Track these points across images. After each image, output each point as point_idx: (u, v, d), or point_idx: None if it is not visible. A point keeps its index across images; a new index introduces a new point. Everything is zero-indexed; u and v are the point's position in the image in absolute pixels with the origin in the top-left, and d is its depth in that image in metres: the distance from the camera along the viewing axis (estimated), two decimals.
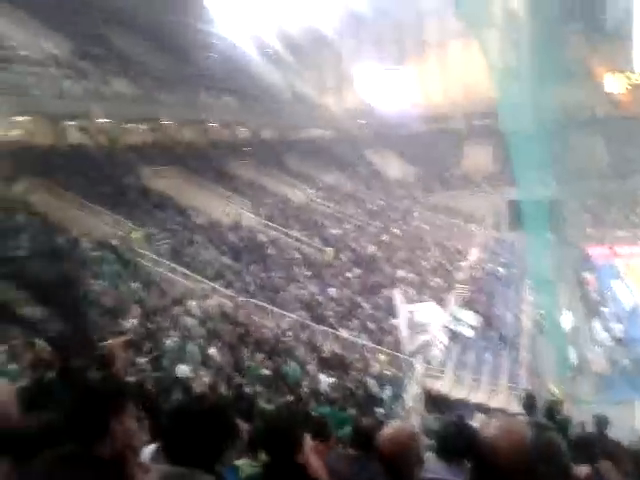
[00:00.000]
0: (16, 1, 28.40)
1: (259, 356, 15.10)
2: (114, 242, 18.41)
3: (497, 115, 41.16)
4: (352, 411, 12.76)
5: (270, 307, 19.25)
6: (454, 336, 22.61)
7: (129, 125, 29.84)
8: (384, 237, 32.12)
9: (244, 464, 2.85)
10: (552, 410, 6.47)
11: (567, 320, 23.33)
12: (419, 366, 19.08)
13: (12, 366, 9.50)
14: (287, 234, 27.04)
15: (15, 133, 25.03)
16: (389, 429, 2.59)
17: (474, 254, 33.52)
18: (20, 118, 23.74)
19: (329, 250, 26.49)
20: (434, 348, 20.84)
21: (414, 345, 20.16)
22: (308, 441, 2.79)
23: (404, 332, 20.43)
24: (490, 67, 39.97)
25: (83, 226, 18.85)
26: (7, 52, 23.50)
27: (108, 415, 1.93)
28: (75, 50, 28.25)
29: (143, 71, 32.28)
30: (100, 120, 26.15)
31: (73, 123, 26.03)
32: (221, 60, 44.85)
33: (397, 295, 22.21)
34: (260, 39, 46.15)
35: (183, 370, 12.53)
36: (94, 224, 19.57)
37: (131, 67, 31.60)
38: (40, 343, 10.49)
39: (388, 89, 53.67)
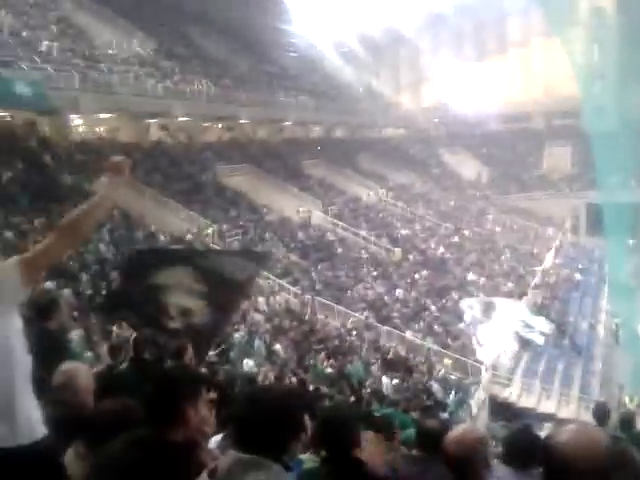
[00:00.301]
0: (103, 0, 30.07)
1: (323, 354, 15.30)
2: (188, 237, 19.13)
3: (578, 115, 39.77)
4: (414, 415, 12.75)
5: (336, 306, 19.45)
6: (525, 343, 22.03)
7: (207, 123, 30.81)
8: (455, 239, 31.62)
9: (307, 458, 2.96)
10: (626, 422, 6.22)
11: None
12: (486, 372, 18.77)
13: (88, 353, 9.92)
14: (356, 233, 27.17)
15: (99, 129, 26.43)
16: (456, 431, 2.57)
17: (549, 259, 32.43)
18: (105, 115, 24.98)
19: (397, 250, 26.40)
20: (503, 354, 20.40)
21: (488, 353, 19.80)
22: (370, 438, 2.84)
23: (480, 340, 20.09)
24: (574, 66, 38.63)
25: (160, 221, 19.71)
26: (94, 51, 24.84)
27: (183, 402, 2.04)
28: (159, 49, 29.47)
29: (223, 71, 33.21)
30: (180, 118, 27.14)
31: (154, 121, 27.15)
32: (299, 59, 45.58)
33: (475, 304, 21.88)
34: (338, 38, 46.48)
35: (249, 364, 12.91)
36: (170, 219, 20.41)
37: (212, 67, 32.59)
38: (117, 331, 11.11)
39: (466, 87, 52.62)
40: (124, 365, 5.47)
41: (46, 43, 22.16)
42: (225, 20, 39.56)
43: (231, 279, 4.50)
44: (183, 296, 4.50)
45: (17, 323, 2.01)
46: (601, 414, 6.12)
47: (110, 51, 25.80)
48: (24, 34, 22.02)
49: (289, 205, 26.99)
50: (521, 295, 25.81)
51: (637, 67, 33.15)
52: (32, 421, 2.03)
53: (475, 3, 45.97)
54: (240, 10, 37.55)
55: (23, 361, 2.02)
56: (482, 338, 20.35)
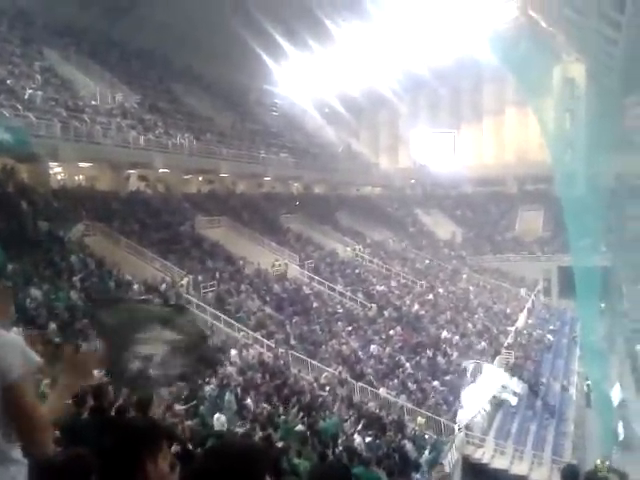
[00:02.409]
0: (91, 53, 30.68)
1: (294, 410, 15.05)
2: (163, 287, 18.98)
3: (550, 180, 41.09)
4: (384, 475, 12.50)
5: (310, 360, 19.28)
6: (498, 403, 21.98)
7: (188, 176, 31.08)
8: (429, 297, 31.82)
9: None
10: None
11: (616, 393, 22.35)
12: (459, 432, 18.58)
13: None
14: (332, 288, 27.23)
15: (79, 178, 26.49)
16: None
17: (522, 319, 32.72)
18: (84, 164, 25.13)
19: (373, 306, 26.45)
20: (477, 414, 20.28)
21: (465, 412, 19.74)
22: None
23: (465, 402, 20.08)
24: (545, 134, 40.17)
25: (135, 270, 19.55)
26: (78, 101, 25.17)
27: (143, 455, 1.95)
28: (142, 103, 29.96)
29: (206, 126, 33.80)
30: (161, 170, 27.36)
31: (134, 171, 27.34)
32: (282, 118, 46.78)
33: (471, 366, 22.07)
34: (320, 99, 47.95)
35: (220, 419, 12.61)
36: (146, 269, 20.28)
37: (195, 122, 33.16)
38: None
39: (442, 151, 54.27)
40: (85, 415, 5.37)
41: (30, 91, 22.44)
42: (210, 78, 40.63)
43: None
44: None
45: None
46: (570, 476, 6.13)
47: (94, 102, 26.14)
48: (8, 82, 22.28)
49: (266, 258, 27.04)
50: (494, 355, 25.89)
51: (605, 136, 34.60)
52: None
53: (451, 69, 48.00)
54: (225, 69, 38.62)
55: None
56: (464, 398, 20.36)
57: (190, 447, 8.05)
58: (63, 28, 31.32)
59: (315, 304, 24.63)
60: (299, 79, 47.53)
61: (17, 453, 2.03)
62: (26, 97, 22.01)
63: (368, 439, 15.50)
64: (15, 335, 2.19)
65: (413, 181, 56.74)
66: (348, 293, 27.23)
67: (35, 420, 2.00)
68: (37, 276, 15.56)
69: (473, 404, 20.29)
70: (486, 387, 21.78)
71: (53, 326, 13.79)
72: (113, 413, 5.76)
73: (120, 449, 1.98)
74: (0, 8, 28.25)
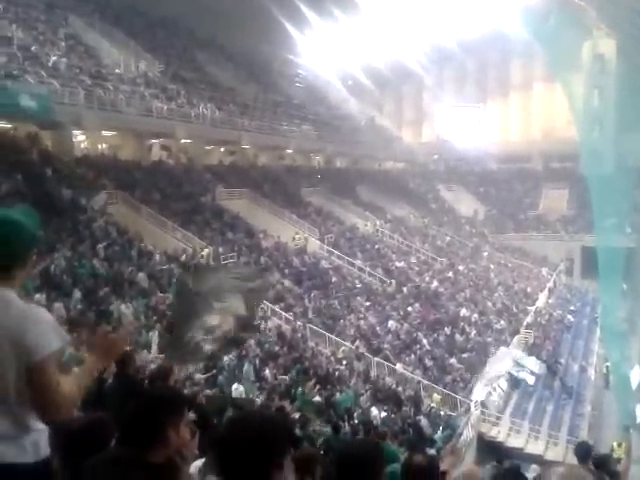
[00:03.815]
0: (115, 21, 30.56)
1: (311, 382, 15.17)
2: (183, 257, 19.10)
3: (576, 158, 40.28)
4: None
5: (327, 334, 19.36)
6: (515, 382, 21.93)
7: (210, 147, 31.06)
8: (449, 274, 31.65)
9: None
10: (604, 462, 6.23)
11: (636, 375, 22.13)
12: (475, 409, 18.62)
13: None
14: (351, 263, 27.19)
15: (102, 146, 26.61)
16: (461, 470, 2.38)
17: (543, 299, 32.45)
18: (108, 133, 25.21)
19: (392, 282, 26.40)
20: (493, 393, 20.29)
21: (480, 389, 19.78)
22: None
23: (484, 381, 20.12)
24: (573, 110, 39.26)
25: (156, 240, 19.70)
26: (102, 69, 25.16)
27: (165, 422, 1.99)
28: (166, 72, 29.85)
29: (230, 97, 33.61)
30: (183, 140, 27.36)
31: (157, 141, 27.35)
32: (305, 90, 46.32)
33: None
34: (344, 71, 47.32)
35: (238, 389, 12.77)
36: (167, 239, 20.41)
37: (218, 92, 32.97)
38: None
39: (467, 126, 53.45)
40: (109, 381, 5.43)
41: (54, 58, 22.44)
42: (234, 48, 40.25)
43: None
44: None
45: None
46: (583, 453, 6.12)
47: (117, 70, 26.10)
48: (33, 48, 22.29)
49: (286, 231, 27.05)
50: (513, 334, 25.78)
51: (635, 114, 33.67)
52: (39, 444, 2.02)
53: (479, 42, 46.91)
54: (249, 39, 38.21)
55: None
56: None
57: (209, 417, 8.17)
58: None
59: (334, 279, 24.65)
60: (323, 50, 46.89)
61: (38, 421, 2.02)
62: (50, 64, 21.99)
63: (384, 414, 15.63)
64: (41, 308, 2.13)
65: (436, 156, 56.01)
66: (367, 268, 27.17)
67: (56, 402, 1.97)
68: (60, 243, 15.73)
69: (488, 381, 20.29)
70: (501, 365, 21.76)
71: (78, 294, 13.99)
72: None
73: (143, 415, 2.01)
74: None
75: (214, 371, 13.24)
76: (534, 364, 22.90)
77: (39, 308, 2.08)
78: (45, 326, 1.96)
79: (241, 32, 36.64)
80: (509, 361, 22.43)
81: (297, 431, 10.54)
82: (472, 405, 18.61)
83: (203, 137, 28.42)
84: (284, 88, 44.05)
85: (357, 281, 25.72)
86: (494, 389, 20.48)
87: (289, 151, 36.91)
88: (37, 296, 12.10)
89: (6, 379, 1.90)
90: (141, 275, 16.50)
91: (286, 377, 15.04)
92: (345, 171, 44.27)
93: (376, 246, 31.91)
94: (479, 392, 19.75)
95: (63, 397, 1.98)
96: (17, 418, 1.95)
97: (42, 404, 1.95)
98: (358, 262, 27.56)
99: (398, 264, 29.98)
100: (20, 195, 16.92)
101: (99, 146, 26.52)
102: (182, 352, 5.01)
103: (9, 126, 20.66)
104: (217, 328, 4.77)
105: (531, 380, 21.96)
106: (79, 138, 24.87)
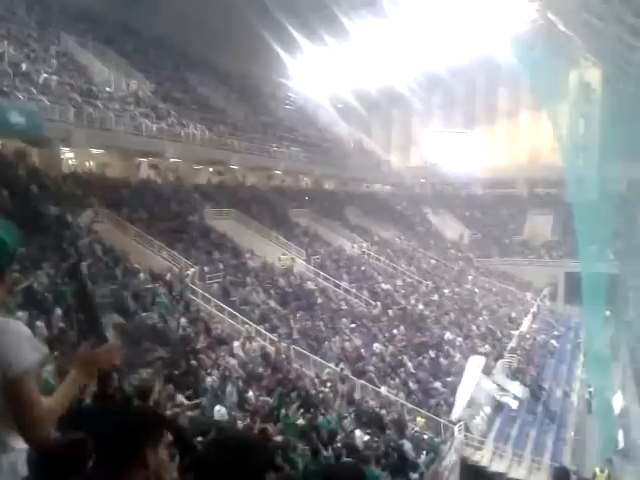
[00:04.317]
0: (108, 39, 30.77)
1: (295, 405, 15.07)
2: (168, 276, 19.04)
3: (561, 184, 40.88)
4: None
5: (312, 356, 19.30)
6: (498, 406, 21.94)
7: (198, 166, 31.13)
8: (434, 297, 31.77)
9: None
10: None
11: (618, 401, 22.28)
12: (459, 433, 18.57)
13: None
14: (337, 284, 27.22)
15: (90, 164, 26.58)
16: None
17: (527, 323, 32.61)
18: (97, 151, 25.21)
19: (378, 304, 26.44)
20: (476, 416, 20.26)
21: (461, 412, 19.68)
22: None
23: (460, 400, 20.01)
24: (559, 137, 39.97)
25: (142, 258, 19.62)
26: (93, 87, 25.24)
27: (144, 444, 1.96)
28: (156, 91, 30.01)
29: (220, 118, 33.81)
30: (172, 159, 27.42)
31: (146, 160, 27.39)
32: (295, 112, 46.77)
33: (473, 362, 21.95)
34: (334, 94, 47.89)
35: (221, 411, 12.66)
36: (152, 257, 20.34)
37: (208, 112, 33.15)
38: None
39: (454, 151, 54.16)
40: (87, 400, 5.41)
41: (45, 76, 22.51)
42: (225, 69, 40.63)
43: None
44: None
45: None
46: (561, 478, 6.18)
47: (108, 89, 26.20)
48: (24, 65, 22.35)
49: (273, 252, 27.07)
50: (497, 357, 25.82)
51: (619, 142, 34.38)
52: (16, 464, 2.02)
53: (468, 69, 47.82)
54: (241, 61, 38.63)
55: None
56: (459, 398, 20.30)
57: (188, 438, 8.10)
58: (81, 13, 31.46)
59: (320, 300, 24.64)
60: (314, 73, 47.47)
61: (17, 440, 2.01)
62: (41, 81, 22.07)
63: (367, 437, 15.54)
64: (19, 322, 2.13)
65: (423, 180, 56.61)
66: (353, 290, 27.22)
67: (35, 416, 1.97)
68: (44, 260, 15.62)
69: (466, 401, 20.22)
70: (481, 387, 21.70)
71: (59, 311, 13.86)
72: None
73: (121, 436, 1.98)
74: None
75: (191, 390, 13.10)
76: (517, 389, 22.93)
77: (17, 322, 2.08)
78: (22, 340, 1.96)
79: (233, 54, 37.04)
80: (490, 383, 22.42)
81: (279, 454, 10.48)
82: (456, 429, 18.57)
83: (192, 157, 28.53)
84: (274, 110, 44.42)
85: (343, 303, 25.73)
86: (477, 413, 20.47)
87: (278, 172, 37.08)
88: (19, 314, 11.97)
89: None
90: (125, 294, 16.41)
91: (269, 399, 14.93)
92: (333, 193, 44.53)
93: (362, 268, 31.98)
94: (458, 411, 19.69)
95: (41, 412, 1.97)
96: None
97: (20, 418, 1.94)
98: (344, 284, 27.60)
99: (384, 286, 30.05)
100: (5, 211, 16.85)
101: (87, 164, 26.48)
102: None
103: None
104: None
105: (514, 404, 21.99)
106: (67, 155, 24.83)
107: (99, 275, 16.56)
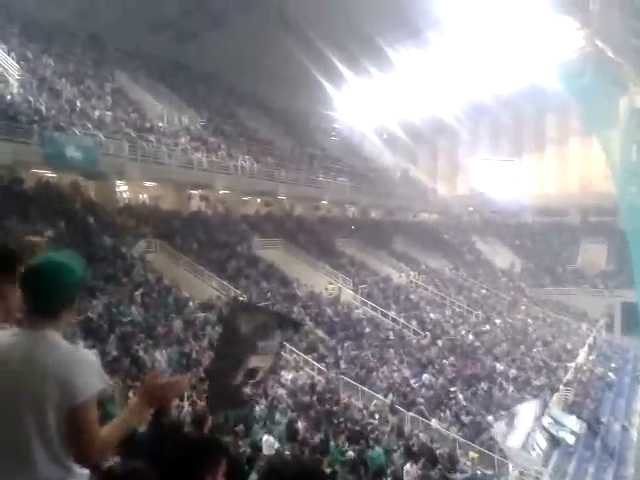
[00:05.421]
0: (160, 76, 31.99)
1: (343, 436, 14.87)
2: (218, 305, 19.28)
3: (614, 212, 39.73)
4: None
5: (360, 386, 19.06)
6: (554, 441, 21.06)
7: (247, 197, 31.69)
8: (485, 327, 31.01)
9: None
10: None
11: None
12: (513, 469, 17.88)
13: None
14: (384, 314, 26.94)
15: (143, 196, 27.43)
16: None
17: (583, 355, 31.40)
18: (150, 184, 26.02)
19: (427, 334, 26.01)
20: (531, 451, 19.49)
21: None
22: None
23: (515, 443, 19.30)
24: (611, 165, 39.02)
25: (193, 287, 19.98)
26: (146, 123, 26.21)
27: (204, 471, 2.02)
28: (207, 125, 30.92)
29: (267, 150, 34.48)
30: (221, 191, 28.03)
31: (196, 192, 28.07)
32: (340, 142, 47.26)
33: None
34: (379, 125, 48.19)
35: (269, 441, 12.60)
36: (202, 287, 20.68)
37: (256, 145, 33.86)
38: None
39: (502, 179, 53.43)
40: (143, 429, 5.46)
41: (100, 112, 23.53)
42: (272, 103, 41.53)
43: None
44: None
45: None
46: None
47: (160, 124, 27.15)
48: (79, 102, 23.41)
49: (320, 281, 27.10)
50: (552, 391, 24.91)
51: None
52: None
53: (515, 97, 47.26)
54: (287, 95, 39.39)
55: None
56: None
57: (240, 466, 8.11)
58: (134, 51, 32.90)
59: (367, 329, 24.41)
60: (359, 105, 47.94)
61: (80, 466, 2.05)
62: (96, 117, 23.07)
63: (418, 471, 15.15)
64: (87, 350, 2.19)
65: (471, 208, 55.88)
66: (401, 320, 26.87)
67: (95, 442, 1.98)
68: (99, 290, 16.09)
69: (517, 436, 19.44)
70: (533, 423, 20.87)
71: (112, 338, 14.20)
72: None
73: (182, 464, 2.02)
74: (72, 32, 29.97)
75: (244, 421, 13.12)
76: (574, 423, 21.99)
77: (85, 350, 2.16)
78: (91, 368, 2.00)
79: (279, 88, 37.82)
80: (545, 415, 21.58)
81: None
82: (510, 465, 17.89)
83: (241, 188, 29.07)
84: (320, 141, 44.99)
85: (391, 332, 25.40)
86: (533, 448, 19.69)
87: (324, 202, 37.34)
88: (80, 343, 12.33)
89: (48, 419, 1.91)
90: (177, 322, 16.69)
91: (319, 432, 14.77)
92: (380, 222, 44.39)
93: (410, 297, 31.61)
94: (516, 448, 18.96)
95: (100, 439, 2.00)
96: (61, 461, 1.96)
97: (79, 444, 1.96)
98: (392, 313, 27.29)
99: (432, 316, 29.56)
100: (62, 243, 17.49)
101: (141, 196, 27.33)
102: (225, 399, 5.00)
103: (54, 175, 21.48)
104: (257, 370, 4.72)
105: (571, 440, 21.05)
106: (122, 188, 25.71)
107: (152, 304, 16.92)
